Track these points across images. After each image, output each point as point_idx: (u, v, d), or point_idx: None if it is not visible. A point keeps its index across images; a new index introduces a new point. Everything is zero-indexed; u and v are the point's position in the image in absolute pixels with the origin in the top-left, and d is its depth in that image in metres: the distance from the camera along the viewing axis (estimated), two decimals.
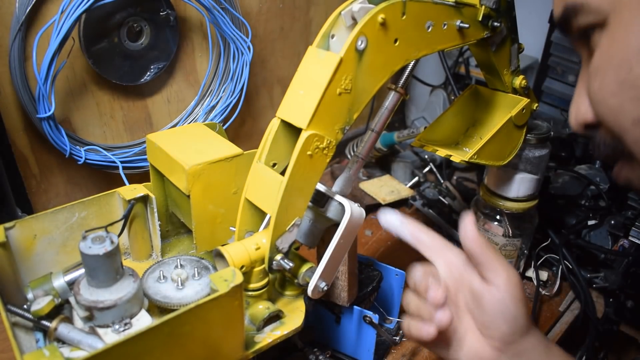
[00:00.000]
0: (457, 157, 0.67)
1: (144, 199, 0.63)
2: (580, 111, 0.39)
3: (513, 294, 0.48)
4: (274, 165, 0.53)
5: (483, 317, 0.50)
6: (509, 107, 0.70)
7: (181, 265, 0.58)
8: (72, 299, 0.53)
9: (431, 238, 0.52)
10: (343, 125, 0.50)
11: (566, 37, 0.39)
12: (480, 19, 0.60)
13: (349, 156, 1.18)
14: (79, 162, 0.82)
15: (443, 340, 0.51)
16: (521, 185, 0.77)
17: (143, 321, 0.50)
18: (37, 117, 0.75)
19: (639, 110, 0.32)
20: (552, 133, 0.77)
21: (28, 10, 0.72)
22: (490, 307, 0.49)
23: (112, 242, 0.48)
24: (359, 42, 0.47)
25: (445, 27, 0.56)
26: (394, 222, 0.53)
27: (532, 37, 0.98)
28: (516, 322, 0.49)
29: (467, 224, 0.49)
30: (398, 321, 0.75)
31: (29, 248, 0.58)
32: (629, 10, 0.32)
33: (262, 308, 0.56)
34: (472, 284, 0.50)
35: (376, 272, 0.69)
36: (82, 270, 0.54)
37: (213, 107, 0.96)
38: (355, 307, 0.65)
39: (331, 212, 0.55)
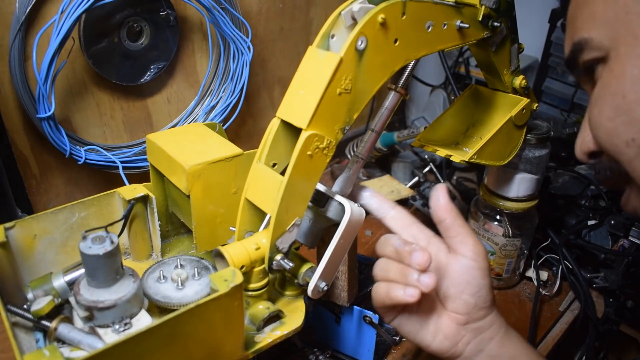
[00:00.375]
0: (457, 157, 0.67)
1: (144, 199, 0.63)
2: (584, 141, 0.42)
3: (480, 263, 0.49)
4: (274, 165, 0.53)
5: (448, 289, 0.50)
6: (509, 107, 0.70)
7: (181, 265, 0.58)
8: (72, 299, 0.53)
9: (398, 212, 0.54)
10: (343, 125, 0.50)
11: (573, 74, 0.44)
12: (480, 19, 0.60)
13: (349, 156, 1.18)
14: (79, 162, 0.82)
15: (413, 313, 0.52)
16: (521, 185, 0.77)
17: (143, 321, 0.50)
18: (37, 117, 0.75)
19: (631, 133, 0.36)
20: (552, 133, 0.77)
21: (28, 10, 0.72)
22: (456, 275, 0.50)
23: (112, 242, 0.48)
24: (359, 42, 0.47)
25: (445, 27, 0.56)
26: (366, 195, 0.55)
27: (532, 37, 0.98)
28: (480, 293, 0.50)
29: (440, 193, 0.51)
30: None
31: (29, 248, 0.58)
32: (625, 45, 0.36)
33: (262, 308, 0.56)
34: (439, 254, 0.51)
35: None
36: (82, 270, 0.54)
37: (213, 107, 0.96)
38: (355, 307, 0.65)
39: (331, 212, 0.55)
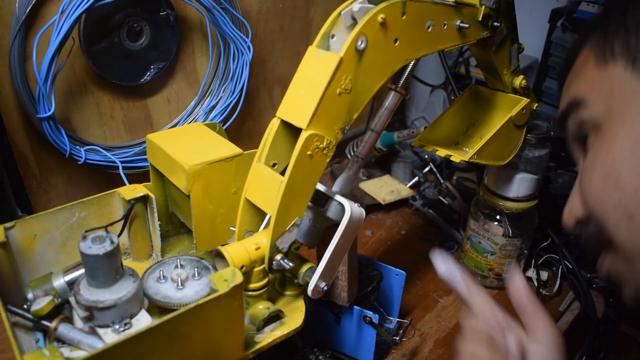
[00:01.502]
0: (457, 157, 0.67)
1: (144, 199, 0.63)
2: (572, 208, 0.44)
3: (559, 350, 0.49)
4: (274, 165, 0.53)
5: None
6: (509, 107, 0.70)
7: (181, 265, 0.58)
8: (72, 299, 0.53)
9: (483, 296, 0.52)
10: (343, 125, 0.50)
11: (564, 130, 0.46)
12: (480, 19, 0.60)
13: (349, 156, 1.18)
14: (79, 162, 0.82)
15: None
16: (521, 185, 0.77)
17: (143, 321, 0.50)
18: (37, 117, 0.75)
19: (617, 196, 0.38)
20: (552, 133, 0.77)
21: (28, 10, 0.72)
22: None
23: (112, 242, 0.48)
24: (359, 42, 0.47)
25: (445, 27, 0.56)
26: (448, 273, 0.53)
27: (532, 37, 0.98)
28: None
29: (516, 275, 0.51)
30: (398, 321, 0.75)
31: (29, 248, 0.58)
32: (618, 117, 0.39)
33: (262, 308, 0.56)
34: (520, 339, 0.49)
35: (376, 272, 0.69)
36: (82, 270, 0.54)
37: (213, 107, 0.96)
38: (355, 307, 0.65)
39: (331, 212, 0.55)
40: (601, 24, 0.42)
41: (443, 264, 0.53)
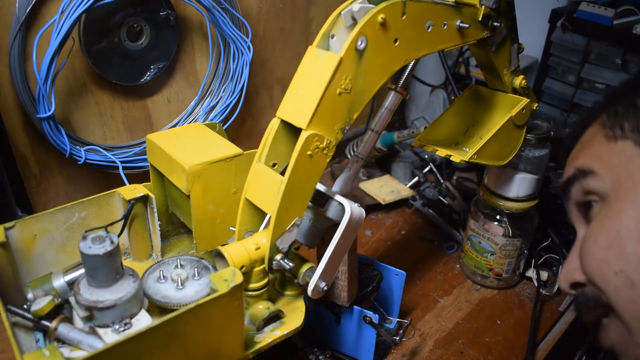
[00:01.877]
0: (457, 157, 0.67)
1: (144, 199, 0.63)
2: (569, 271, 0.45)
3: None
4: (274, 165, 0.53)
5: None
6: (509, 107, 0.70)
7: (181, 265, 0.58)
8: (72, 299, 0.53)
9: None
10: (343, 125, 0.50)
11: (565, 197, 0.48)
12: (480, 19, 0.60)
13: (349, 156, 1.18)
14: (79, 162, 0.82)
15: None
16: (521, 185, 0.77)
17: (143, 321, 0.50)
18: (37, 117, 0.75)
19: (620, 264, 0.39)
20: (552, 133, 0.77)
21: (28, 10, 0.72)
22: None
23: (112, 242, 0.48)
24: (359, 42, 0.47)
25: (445, 27, 0.56)
26: None
27: (532, 37, 0.97)
28: None
29: None
30: (398, 321, 0.75)
31: (29, 248, 0.58)
32: (625, 190, 0.40)
33: (262, 308, 0.56)
34: None
35: (376, 272, 0.69)
36: (82, 270, 0.54)
37: (213, 107, 0.96)
38: (355, 307, 0.65)
39: (331, 212, 0.55)
40: (611, 104, 0.45)
41: None
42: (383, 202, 1.04)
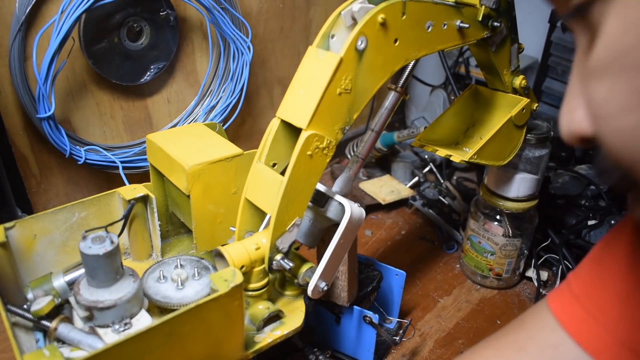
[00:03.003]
0: (457, 157, 0.67)
1: (144, 199, 0.63)
2: (574, 119, 0.28)
3: None
4: (274, 165, 0.53)
5: None
6: (509, 107, 0.70)
7: (181, 265, 0.58)
8: (72, 299, 0.53)
9: None
10: (343, 125, 0.50)
11: (557, 11, 0.29)
12: (480, 19, 0.60)
13: (349, 156, 1.18)
14: (79, 162, 0.82)
15: None
16: (521, 185, 0.77)
17: (143, 321, 0.50)
18: (37, 117, 0.75)
19: None
20: (552, 133, 0.77)
21: (28, 10, 0.72)
22: None
23: (112, 242, 0.48)
24: (359, 42, 0.47)
25: (445, 27, 0.56)
26: None
27: (532, 37, 0.98)
28: None
29: None
30: (398, 321, 0.75)
31: (29, 248, 0.58)
32: None
33: (262, 308, 0.56)
34: None
35: (376, 272, 0.69)
36: (82, 270, 0.54)
37: (213, 107, 0.96)
38: (355, 307, 0.65)
39: (331, 212, 0.55)
40: None
41: None
42: (383, 202, 1.04)
